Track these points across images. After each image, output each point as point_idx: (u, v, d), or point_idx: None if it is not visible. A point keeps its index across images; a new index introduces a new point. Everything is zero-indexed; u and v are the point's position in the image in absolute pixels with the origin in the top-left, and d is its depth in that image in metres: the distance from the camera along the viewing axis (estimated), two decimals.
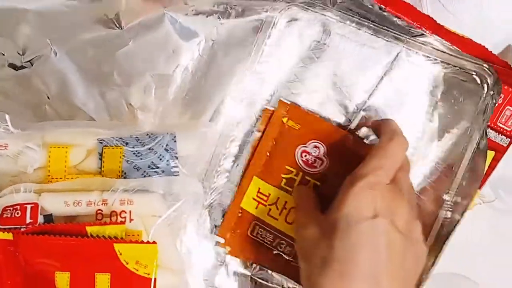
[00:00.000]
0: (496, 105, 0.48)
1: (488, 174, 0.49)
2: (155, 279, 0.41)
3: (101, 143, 0.45)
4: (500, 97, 0.48)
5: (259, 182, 0.49)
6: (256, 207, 0.50)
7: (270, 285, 0.50)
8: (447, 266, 0.53)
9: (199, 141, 0.47)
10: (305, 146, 0.49)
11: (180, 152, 0.46)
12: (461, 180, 0.49)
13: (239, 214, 0.50)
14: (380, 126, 0.46)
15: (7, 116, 0.44)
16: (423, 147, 0.50)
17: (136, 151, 0.45)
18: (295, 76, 0.49)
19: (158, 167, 0.45)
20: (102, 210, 0.43)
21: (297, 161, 0.49)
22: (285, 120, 0.49)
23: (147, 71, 0.49)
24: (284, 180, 0.49)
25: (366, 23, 0.48)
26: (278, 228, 0.49)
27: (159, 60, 0.49)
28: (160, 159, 0.45)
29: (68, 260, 0.41)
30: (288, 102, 0.49)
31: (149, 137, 0.45)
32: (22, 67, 0.49)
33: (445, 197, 0.49)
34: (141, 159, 0.45)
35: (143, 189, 0.43)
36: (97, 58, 0.49)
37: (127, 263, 0.41)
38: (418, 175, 0.50)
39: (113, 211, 0.42)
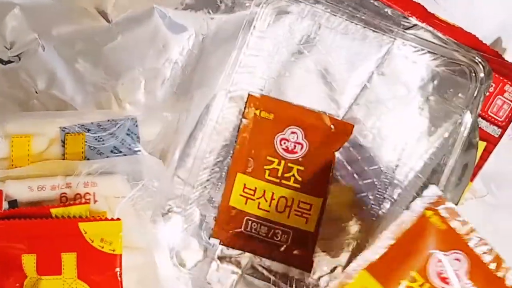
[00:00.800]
0: (487, 94, 0.48)
1: (479, 165, 0.49)
2: (120, 255, 0.42)
3: (63, 130, 0.45)
4: (491, 86, 0.48)
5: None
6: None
7: (260, 281, 0.50)
8: None
9: (161, 125, 0.48)
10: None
11: (143, 137, 0.46)
12: (451, 175, 0.49)
13: (230, 213, 0.50)
14: None
15: None
16: (415, 142, 0.50)
17: (98, 136, 0.45)
18: (285, 70, 0.49)
19: (120, 151, 0.45)
20: (66, 193, 0.43)
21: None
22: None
23: (136, 66, 0.49)
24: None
25: (358, 15, 0.48)
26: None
27: (148, 55, 0.49)
28: (122, 143, 0.45)
29: (34, 242, 0.41)
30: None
31: (111, 122, 0.46)
32: (10, 62, 0.49)
33: None
34: (103, 144, 0.45)
35: (107, 172, 0.44)
36: (85, 52, 0.49)
37: (92, 241, 0.42)
38: (410, 171, 0.50)
39: (77, 194, 0.43)
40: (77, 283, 0.42)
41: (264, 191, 0.49)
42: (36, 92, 0.49)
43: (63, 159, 0.45)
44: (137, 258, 0.45)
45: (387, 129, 0.50)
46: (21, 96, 0.49)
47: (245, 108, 0.49)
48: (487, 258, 0.42)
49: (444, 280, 0.40)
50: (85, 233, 0.42)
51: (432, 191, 0.43)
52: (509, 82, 0.49)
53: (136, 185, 0.44)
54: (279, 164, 0.49)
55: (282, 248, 0.50)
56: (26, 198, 0.43)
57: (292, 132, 0.49)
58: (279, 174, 0.49)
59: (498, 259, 0.41)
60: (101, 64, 0.49)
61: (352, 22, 0.49)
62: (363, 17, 0.48)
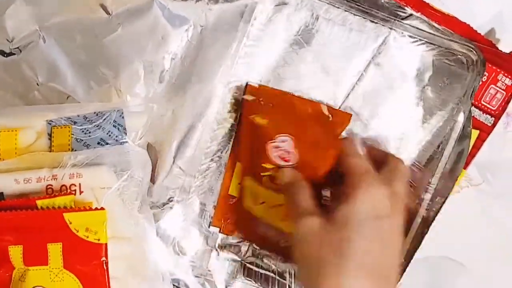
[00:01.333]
0: (481, 83, 0.49)
1: (472, 154, 0.50)
2: (106, 244, 0.43)
3: (49, 124, 0.46)
4: (484, 75, 0.49)
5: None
6: None
7: (260, 270, 0.51)
8: (435, 249, 0.53)
9: (147, 116, 0.48)
10: (274, 141, 0.48)
11: (129, 128, 0.47)
12: (446, 163, 0.50)
13: (229, 202, 0.50)
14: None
15: None
16: (412, 131, 0.50)
17: (85, 128, 0.46)
18: (284, 61, 0.50)
19: (107, 143, 0.46)
20: (52, 185, 0.44)
21: (271, 157, 0.48)
22: (252, 117, 0.48)
23: (136, 58, 0.49)
24: (264, 178, 0.48)
25: (355, 6, 0.49)
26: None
27: (148, 46, 0.49)
28: (109, 135, 0.46)
29: (20, 234, 0.42)
30: (256, 85, 0.49)
31: (97, 115, 0.46)
32: (11, 54, 0.49)
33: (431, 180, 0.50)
34: (89, 136, 0.46)
35: (92, 163, 0.45)
36: (86, 44, 0.49)
37: (77, 231, 0.42)
38: (407, 159, 0.50)
39: (63, 185, 0.44)
40: (64, 273, 0.42)
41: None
42: (37, 85, 0.49)
43: (50, 151, 0.45)
44: (125, 247, 0.45)
45: (383, 119, 0.50)
46: (22, 88, 0.49)
47: (243, 99, 0.49)
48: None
49: (284, 159, 0.47)
50: (70, 223, 0.42)
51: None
52: (502, 72, 0.49)
53: (121, 175, 0.45)
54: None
55: (282, 244, 0.50)
56: (12, 190, 0.43)
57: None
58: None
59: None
60: (101, 56, 0.49)
61: (349, 12, 0.49)
62: (359, 7, 0.49)
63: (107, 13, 0.49)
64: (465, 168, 0.50)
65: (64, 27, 0.49)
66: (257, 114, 0.48)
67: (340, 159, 0.47)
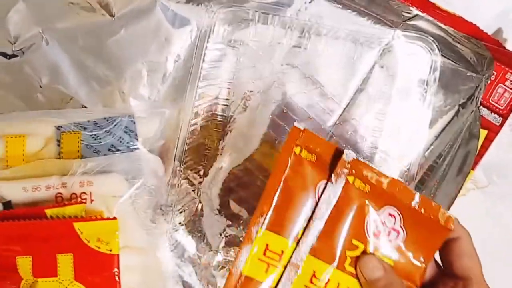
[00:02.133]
0: (489, 82, 0.48)
1: (481, 154, 0.50)
2: (118, 255, 0.41)
3: (58, 129, 0.44)
4: (493, 74, 0.49)
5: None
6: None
7: None
8: None
9: (159, 121, 0.47)
10: (378, 214, 0.39)
11: (141, 134, 0.45)
12: (452, 164, 0.49)
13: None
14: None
15: None
16: (417, 133, 0.50)
17: (95, 134, 0.44)
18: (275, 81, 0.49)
19: (118, 150, 0.44)
20: (61, 193, 0.42)
21: (366, 232, 0.39)
22: (350, 179, 0.39)
23: (139, 59, 0.49)
24: (349, 259, 0.38)
25: (358, 7, 0.48)
26: None
27: (151, 48, 0.49)
28: (120, 141, 0.44)
29: (29, 244, 0.41)
30: (351, 158, 0.39)
31: (107, 120, 0.45)
32: (14, 56, 0.49)
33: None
34: (100, 142, 0.44)
35: (103, 170, 0.43)
36: (88, 46, 0.49)
37: (89, 242, 0.41)
38: (412, 162, 0.50)
39: (73, 194, 0.42)
40: (74, 284, 0.41)
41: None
42: (40, 86, 0.49)
43: (59, 158, 0.44)
44: (138, 258, 0.44)
45: (388, 121, 0.50)
46: (25, 90, 0.49)
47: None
48: (415, 204, 0.39)
49: (383, 237, 0.39)
50: (81, 233, 0.41)
51: (347, 156, 0.39)
52: (510, 71, 0.49)
53: (134, 183, 0.43)
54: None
55: None
56: (20, 199, 0.42)
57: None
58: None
59: (425, 201, 0.39)
60: (104, 58, 0.49)
61: (354, 13, 0.49)
62: (365, 9, 0.48)
63: (110, 15, 0.49)
64: (473, 168, 0.50)
65: (67, 29, 0.49)
66: (355, 176, 0.39)
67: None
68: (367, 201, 0.38)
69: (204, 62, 0.49)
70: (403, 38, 0.49)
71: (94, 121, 0.45)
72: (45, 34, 0.49)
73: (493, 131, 0.50)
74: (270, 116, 0.50)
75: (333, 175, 0.38)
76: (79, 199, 0.42)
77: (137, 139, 0.45)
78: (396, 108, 0.50)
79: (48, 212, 0.41)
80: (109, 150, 0.44)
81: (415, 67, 0.49)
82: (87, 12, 0.49)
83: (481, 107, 0.49)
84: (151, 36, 0.49)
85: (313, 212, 0.38)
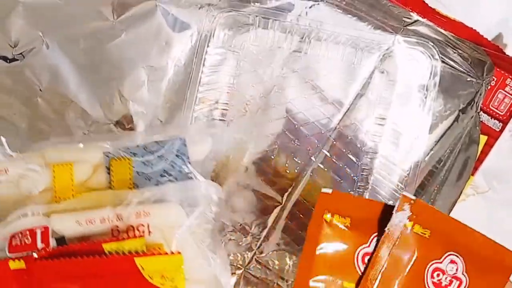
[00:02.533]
0: (489, 88, 0.48)
1: (480, 159, 0.50)
2: None
3: (107, 156, 0.42)
4: (493, 79, 0.49)
5: None
6: None
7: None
8: None
9: (211, 143, 0.45)
10: (439, 262, 0.37)
11: (192, 157, 0.43)
12: (452, 170, 0.49)
13: None
14: None
15: (3, 139, 0.42)
16: (416, 139, 0.50)
17: (146, 160, 0.42)
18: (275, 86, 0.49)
19: (170, 175, 0.42)
20: (118, 226, 0.39)
21: (427, 284, 0.36)
22: (409, 224, 0.36)
23: (139, 63, 0.49)
24: None
25: (358, 13, 0.49)
26: None
27: (151, 52, 0.49)
28: (172, 166, 0.42)
29: (87, 282, 0.38)
30: (413, 198, 0.37)
31: (158, 144, 0.43)
32: (14, 59, 0.49)
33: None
34: (151, 168, 0.42)
35: (159, 199, 0.41)
36: (89, 50, 0.49)
37: (152, 278, 0.38)
38: (413, 169, 0.50)
39: (130, 226, 0.39)
40: None
41: None
42: (40, 90, 0.49)
43: (110, 187, 0.42)
44: None
45: (388, 126, 0.50)
46: (25, 93, 0.49)
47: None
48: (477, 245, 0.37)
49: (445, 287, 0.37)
50: (143, 269, 0.38)
51: (404, 198, 0.37)
52: (510, 76, 0.49)
53: (191, 212, 0.41)
54: None
55: None
56: (74, 233, 0.39)
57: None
58: None
59: (486, 241, 0.37)
60: (104, 61, 0.49)
61: (355, 18, 0.49)
62: (362, 14, 0.49)
63: (111, 18, 0.49)
64: (473, 174, 0.50)
65: (67, 33, 0.49)
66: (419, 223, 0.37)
67: None
68: (426, 249, 0.36)
69: (204, 67, 0.49)
70: (403, 43, 0.49)
71: (144, 146, 0.43)
72: (46, 38, 0.49)
73: (493, 136, 0.50)
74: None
75: (387, 228, 0.36)
76: (136, 232, 0.39)
77: (189, 162, 0.43)
78: (396, 113, 0.50)
79: (106, 247, 0.38)
80: (161, 176, 0.42)
81: (415, 73, 0.49)
82: (87, 16, 0.49)
83: (481, 112, 0.49)
84: (151, 40, 0.49)
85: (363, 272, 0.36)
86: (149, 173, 0.42)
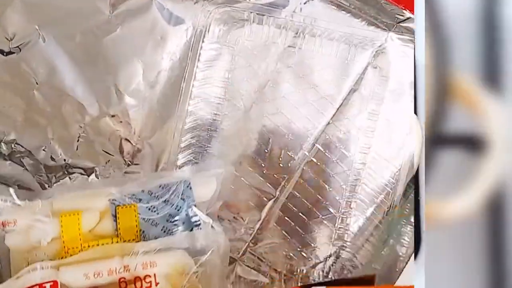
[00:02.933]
0: None
1: None
2: None
3: (113, 203, 0.42)
4: None
5: None
6: None
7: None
8: None
9: (215, 183, 0.45)
10: None
11: (197, 199, 0.44)
12: None
13: None
14: None
15: (11, 190, 0.42)
16: (407, 136, 0.50)
17: (151, 206, 0.42)
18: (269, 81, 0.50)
19: (176, 220, 0.43)
20: (125, 278, 0.40)
21: None
22: None
23: (135, 57, 0.49)
24: None
25: (352, 9, 0.49)
26: None
27: (147, 47, 0.49)
28: (178, 210, 0.43)
29: None
30: None
31: (162, 188, 0.43)
32: (10, 53, 0.49)
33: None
34: (157, 213, 0.42)
35: (165, 248, 0.41)
36: (85, 44, 0.49)
37: None
38: (405, 164, 0.50)
39: (137, 277, 0.40)
40: None
41: None
42: (37, 83, 0.49)
43: (117, 234, 0.42)
44: None
45: (381, 121, 0.50)
46: (21, 87, 0.49)
47: None
48: None
49: None
50: None
51: None
52: None
53: (198, 260, 0.41)
54: None
55: None
56: (83, 286, 0.39)
57: None
58: None
59: None
60: (100, 55, 0.49)
61: (348, 15, 0.49)
62: (355, 10, 0.49)
63: (107, 12, 0.49)
64: None
65: (64, 27, 0.49)
66: None
67: None
68: None
69: (199, 62, 0.50)
70: (396, 40, 0.49)
71: (149, 191, 0.43)
72: (42, 32, 0.49)
73: None
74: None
75: None
76: (143, 283, 0.39)
77: (195, 205, 0.43)
78: (388, 109, 0.50)
79: None
80: (167, 220, 0.42)
81: (407, 69, 0.50)
82: (83, 10, 0.49)
83: None
84: (147, 34, 0.49)
85: None
86: (155, 219, 0.42)
